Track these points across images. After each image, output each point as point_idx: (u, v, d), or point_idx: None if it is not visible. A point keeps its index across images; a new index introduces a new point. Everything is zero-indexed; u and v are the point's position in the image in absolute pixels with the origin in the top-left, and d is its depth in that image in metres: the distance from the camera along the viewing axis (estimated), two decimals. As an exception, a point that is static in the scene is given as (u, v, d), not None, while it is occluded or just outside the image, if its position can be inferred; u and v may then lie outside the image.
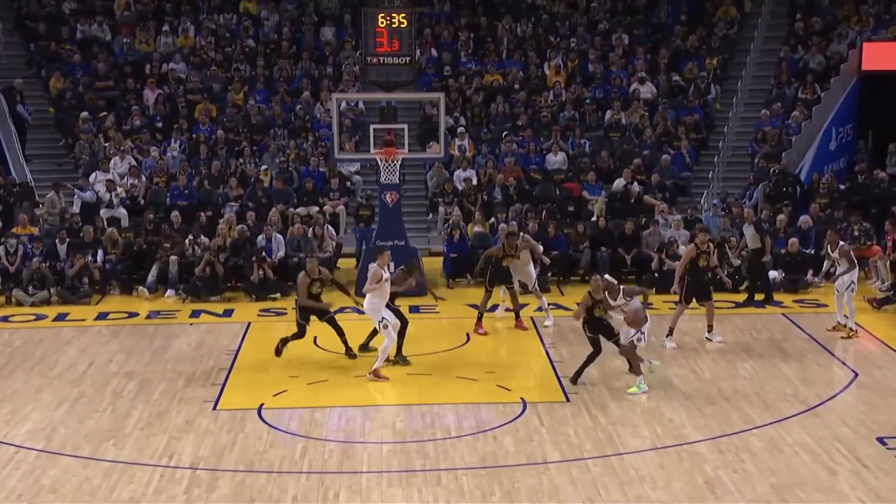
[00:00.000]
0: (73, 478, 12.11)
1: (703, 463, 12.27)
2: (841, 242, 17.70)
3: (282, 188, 23.81)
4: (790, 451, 12.67)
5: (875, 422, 13.63)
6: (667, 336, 16.92)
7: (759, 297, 20.18)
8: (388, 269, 15.92)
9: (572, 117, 26.89)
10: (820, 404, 14.34)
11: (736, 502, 11.22)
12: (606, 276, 15.65)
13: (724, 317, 18.58)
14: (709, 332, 17.14)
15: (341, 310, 19.96)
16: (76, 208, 23.37)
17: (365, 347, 16.55)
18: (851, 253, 17.64)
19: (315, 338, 17.84)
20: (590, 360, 14.95)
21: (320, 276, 16.31)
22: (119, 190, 23.94)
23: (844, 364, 16.24)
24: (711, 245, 16.98)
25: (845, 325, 17.55)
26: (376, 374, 15.36)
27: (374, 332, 16.18)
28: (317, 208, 23.61)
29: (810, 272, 21.30)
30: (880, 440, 13.00)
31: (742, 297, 20.26)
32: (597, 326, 14.82)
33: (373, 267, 15.78)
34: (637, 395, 14.48)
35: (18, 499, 11.57)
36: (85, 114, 26.10)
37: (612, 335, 14.83)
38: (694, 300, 17.12)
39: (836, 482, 11.80)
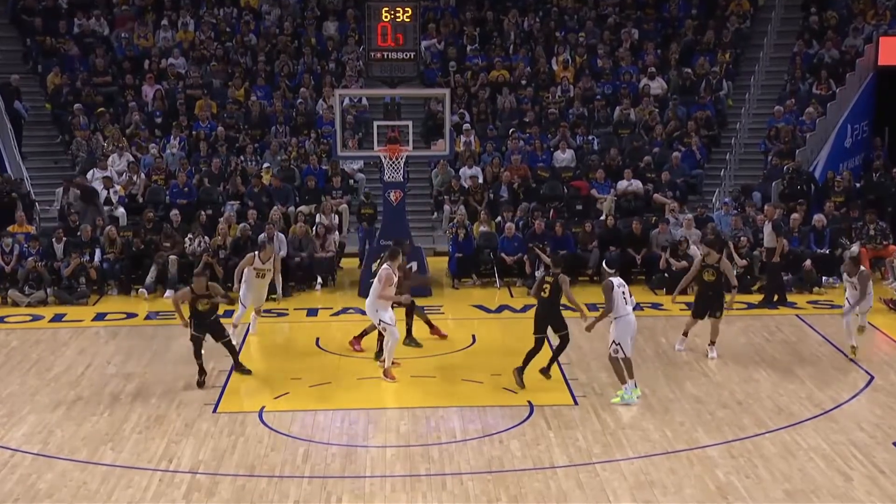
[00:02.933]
0: (69, 482, 12.13)
1: (714, 468, 12.26)
2: (862, 268, 16.46)
3: (280, 186, 23.83)
4: (804, 456, 12.65)
5: (892, 426, 13.61)
6: (682, 333, 16.97)
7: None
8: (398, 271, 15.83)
9: (580, 114, 26.86)
10: (835, 408, 14.32)
11: (748, 508, 11.23)
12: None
13: (737, 318, 18.56)
14: (710, 345, 16.69)
15: (345, 310, 20.02)
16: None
17: (379, 354, 16.18)
18: (871, 282, 16.62)
19: (318, 339, 17.89)
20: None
21: (208, 292, 15.27)
22: (117, 188, 23.97)
23: (860, 367, 16.19)
24: (717, 257, 16.39)
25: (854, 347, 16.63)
26: (386, 374, 15.43)
27: (380, 336, 16.06)
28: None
29: (807, 262, 21.25)
30: (896, 444, 13.01)
31: (754, 298, 20.22)
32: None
33: (386, 269, 15.54)
34: (619, 404, 14.33)
35: (14, 503, 11.59)
36: (78, 106, 26.10)
37: (563, 328, 15.23)
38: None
39: (852, 488, 11.78)
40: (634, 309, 14.89)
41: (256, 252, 17.71)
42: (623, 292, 14.45)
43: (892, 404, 14.48)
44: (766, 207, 21.09)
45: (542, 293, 15.13)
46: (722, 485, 11.76)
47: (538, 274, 21.30)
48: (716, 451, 12.75)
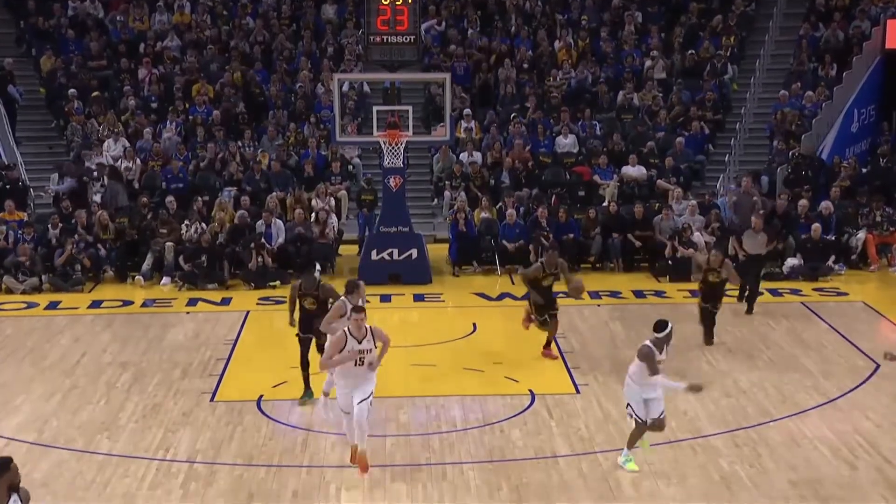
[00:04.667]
0: (65, 471, 12.15)
1: (718, 457, 12.27)
2: None
3: (279, 171, 23.83)
4: (809, 445, 12.68)
5: (897, 415, 13.65)
6: None
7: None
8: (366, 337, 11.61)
9: (583, 98, 26.81)
10: (840, 396, 14.34)
11: (753, 499, 11.22)
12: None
13: (741, 306, 18.53)
14: None
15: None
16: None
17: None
18: None
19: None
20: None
21: None
22: (113, 174, 23.97)
23: (866, 355, 16.18)
24: None
25: None
26: (354, 460, 12.02)
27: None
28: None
29: (832, 258, 21.32)
30: (903, 434, 13.02)
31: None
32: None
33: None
34: (630, 467, 11.98)
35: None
36: (73, 91, 26.07)
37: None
38: None
39: (857, 477, 11.80)
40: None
41: (345, 298, 13.19)
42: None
43: (899, 393, 14.51)
44: (752, 219, 19.63)
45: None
46: (726, 474, 11.78)
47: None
48: (720, 441, 12.76)
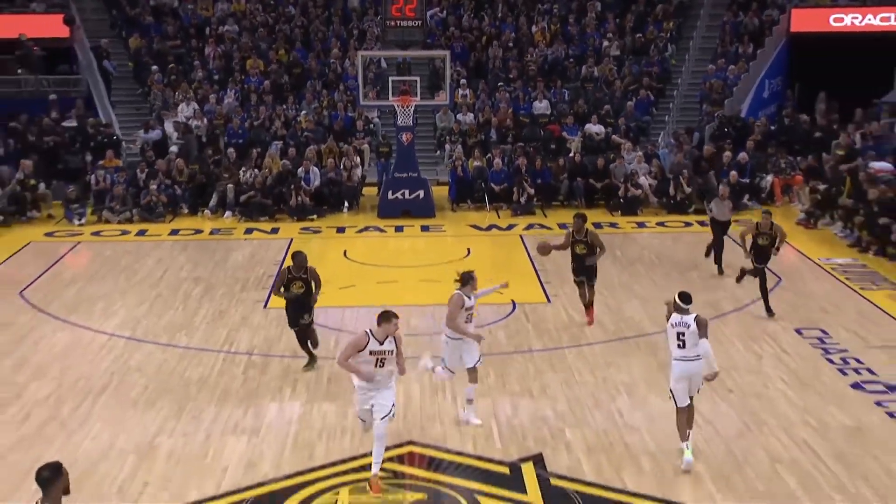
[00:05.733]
0: (153, 360, 12.29)
1: (657, 351, 12.36)
2: None
3: (313, 128, 23.66)
4: (727, 340, 12.79)
5: (794, 317, 13.76)
6: None
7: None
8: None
9: (555, 71, 26.51)
10: (751, 303, 14.41)
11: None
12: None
13: (678, 234, 18.50)
14: None
15: (366, 228, 19.91)
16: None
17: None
18: None
19: (345, 251, 17.91)
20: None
21: None
22: (186, 130, 23.75)
23: (772, 272, 16.16)
24: None
25: None
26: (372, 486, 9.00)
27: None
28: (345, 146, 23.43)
29: (746, 196, 21.26)
30: (797, 331, 13.15)
31: (691, 217, 20.02)
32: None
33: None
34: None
35: (111, 376, 11.74)
36: (154, 67, 25.79)
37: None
38: None
39: (762, 365, 11.95)
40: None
41: (461, 291, 10.17)
42: (680, 333, 9.45)
43: (795, 301, 14.60)
44: (720, 187, 17.29)
45: (761, 241, 13.79)
46: (662, 363, 11.81)
47: (522, 201, 21.29)
48: (659, 338, 12.79)
